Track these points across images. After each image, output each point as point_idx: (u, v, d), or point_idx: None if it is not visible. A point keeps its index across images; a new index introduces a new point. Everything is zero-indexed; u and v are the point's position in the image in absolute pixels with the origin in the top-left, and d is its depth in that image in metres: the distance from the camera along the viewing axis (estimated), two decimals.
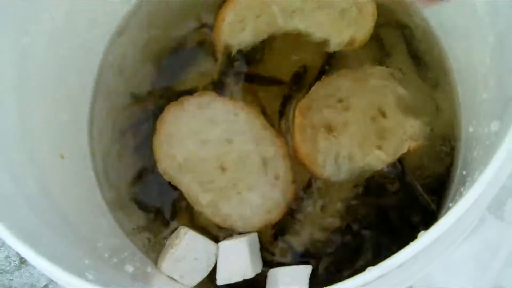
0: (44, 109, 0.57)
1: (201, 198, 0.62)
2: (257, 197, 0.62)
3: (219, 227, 0.62)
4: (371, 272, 0.38)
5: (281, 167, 0.62)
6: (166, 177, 0.63)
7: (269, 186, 0.62)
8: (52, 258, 0.40)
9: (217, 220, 0.62)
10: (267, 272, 0.59)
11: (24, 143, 0.53)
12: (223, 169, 0.62)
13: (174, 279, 0.57)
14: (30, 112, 0.55)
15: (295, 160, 0.63)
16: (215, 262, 0.58)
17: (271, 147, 0.63)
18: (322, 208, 0.63)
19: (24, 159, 0.52)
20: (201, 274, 0.58)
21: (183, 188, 0.62)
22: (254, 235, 0.60)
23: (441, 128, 0.65)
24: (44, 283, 0.73)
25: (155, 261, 0.60)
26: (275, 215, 0.62)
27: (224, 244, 0.59)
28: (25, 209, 0.47)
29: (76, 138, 0.62)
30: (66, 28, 0.59)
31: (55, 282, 0.72)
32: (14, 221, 0.42)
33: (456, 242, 0.46)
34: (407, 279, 0.45)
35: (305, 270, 0.59)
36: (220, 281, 0.58)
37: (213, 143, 0.63)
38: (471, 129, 0.60)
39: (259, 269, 0.59)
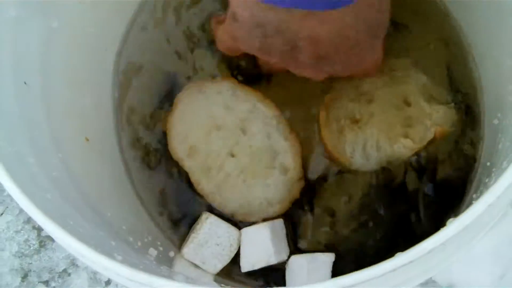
0: (68, 92, 0.57)
1: (206, 182, 0.62)
2: (261, 188, 0.62)
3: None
4: (400, 258, 0.38)
5: (291, 163, 0.62)
6: (174, 157, 0.63)
7: (275, 179, 0.62)
8: (81, 238, 0.40)
9: (218, 206, 0.62)
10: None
11: (49, 126, 0.53)
12: (232, 155, 0.62)
13: (196, 265, 0.57)
14: (54, 95, 0.55)
15: (324, 155, 0.64)
16: (237, 248, 0.58)
17: (284, 142, 0.62)
18: (344, 201, 0.63)
19: (49, 141, 0.52)
20: (223, 260, 0.58)
21: (189, 170, 0.63)
22: (279, 221, 0.60)
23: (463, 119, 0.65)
24: (63, 267, 0.73)
25: (178, 246, 0.60)
26: (277, 209, 0.62)
27: (247, 231, 0.59)
28: (52, 190, 0.47)
29: (101, 121, 0.62)
30: (92, 11, 0.59)
31: (74, 266, 0.73)
32: (43, 201, 0.42)
33: (482, 232, 0.46)
34: (434, 267, 0.45)
35: (328, 258, 0.59)
36: (244, 268, 0.58)
37: (227, 129, 0.63)
38: (496, 121, 0.60)
39: (284, 256, 0.59)
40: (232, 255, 0.58)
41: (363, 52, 0.54)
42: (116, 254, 0.42)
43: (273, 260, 0.58)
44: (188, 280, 0.44)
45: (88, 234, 0.44)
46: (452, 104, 0.64)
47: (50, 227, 0.40)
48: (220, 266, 0.58)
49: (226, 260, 0.58)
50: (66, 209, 0.46)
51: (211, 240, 0.58)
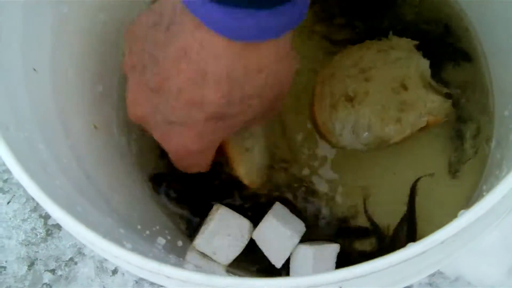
0: (78, 79, 0.56)
1: None
2: None
3: None
4: (413, 248, 0.38)
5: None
6: None
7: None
8: (90, 226, 0.40)
9: None
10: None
11: (59, 113, 0.52)
12: None
13: (208, 257, 0.57)
14: (64, 81, 0.54)
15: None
16: (248, 239, 0.58)
17: None
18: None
19: (58, 129, 0.52)
20: (235, 251, 0.58)
21: None
22: (277, 205, 0.60)
23: (470, 110, 0.65)
24: (69, 256, 0.73)
25: (187, 235, 0.60)
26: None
27: (257, 233, 0.58)
28: (61, 177, 0.47)
29: (109, 109, 0.62)
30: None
31: (80, 255, 0.73)
32: (51, 188, 0.42)
33: (495, 223, 0.46)
34: (446, 258, 0.45)
35: (332, 249, 0.58)
36: (278, 263, 0.58)
37: None
38: (506, 113, 0.59)
39: (303, 227, 0.59)
40: (243, 245, 0.58)
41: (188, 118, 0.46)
42: (125, 242, 0.42)
43: (295, 239, 0.57)
44: (197, 268, 0.44)
45: (97, 222, 0.44)
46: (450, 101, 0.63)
47: (59, 214, 0.39)
48: (231, 257, 0.57)
49: (237, 250, 0.58)
50: (75, 196, 0.46)
51: (222, 231, 0.57)
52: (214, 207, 0.58)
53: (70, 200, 0.44)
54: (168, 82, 0.45)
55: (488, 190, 0.40)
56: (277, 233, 0.57)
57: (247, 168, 0.60)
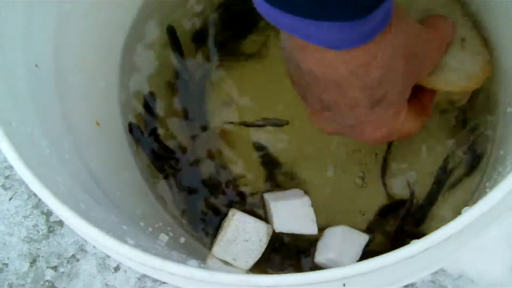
0: (80, 75, 0.56)
1: None
2: None
3: None
4: (418, 244, 0.37)
5: None
6: None
7: None
8: (93, 222, 0.39)
9: None
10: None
11: (62, 109, 0.52)
12: None
13: (229, 263, 0.57)
14: (66, 78, 0.54)
15: None
16: (267, 242, 0.58)
17: None
18: None
19: (61, 125, 0.51)
20: (254, 256, 0.58)
21: None
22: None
23: (475, 107, 0.64)
24: (71, 253, 0.73)
25: (189, 231, 0.60)
26: None
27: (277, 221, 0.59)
28: (63, 174, 0.46)
29: (111, 105, 0.62)
30: None
31: (82, 252, 0.72)
32: (53, 184, 0.42)
33: (498, 220, 0.45)
34: (449, 255, 0.44)
35: (362, 238, 0.59)
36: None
37: None
38: (509, 110, 0.59)
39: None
40: (263, 249, 0.58)
41: (361, 118, 0.48)
42: (128, 238, 0.42)
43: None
44: (201, 265, 0.43)
45: (100, 218, 0.44)
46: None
47: (61, 211, 0.39)
48: (251, 261, 0.58)
49: (256, 255, 0.58)
50: (77, 193, 0.46)
51: (239, 237, 0.58)
52: (230, 213, 0.58)
53: (72, 196, 0.44)
54: (322, 102, 0.47)
55: (492, 186, 0.40)
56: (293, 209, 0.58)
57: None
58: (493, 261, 0.66)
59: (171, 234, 0.55)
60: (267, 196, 0.61)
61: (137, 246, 0.40)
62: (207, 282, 0.38)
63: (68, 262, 0.73)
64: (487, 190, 0.44)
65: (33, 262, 0.73)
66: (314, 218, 0.60)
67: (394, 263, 0.37)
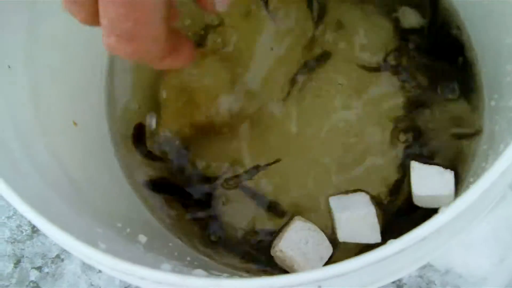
0: (55, 75, 0.55)
1: None
2: None
3: None
4: (392, 245, 0.37)
5: None
6: None
7: None
8: (63, 226, 0.39)
9: None
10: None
11: (35, 110, 0.51)
12: None
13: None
14: (40, 78, 0.53)
15: None
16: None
17: None
18: None
19: (34, 126, 0.50)
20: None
21: None
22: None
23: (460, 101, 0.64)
24: (56, 253, 0.72)
25: (169, 229, 0.59)
26: None
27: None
28: (35, 176, 0.46)
29: (90, 105, 0.61)
30: None
31: (67, 252, 0.72)
32: (24, 188, 0.41)
33: (480, 217, 0.45)
34: (428, 254, 0.44)
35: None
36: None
37: None
38: (493, 103, 0.58)
39: None
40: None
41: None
42: (100, 242, 0.41)
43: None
44: (175, 269, 0.43)
45: (72, 221, 0.43)
46: None
47: (31, 215, 0.39)
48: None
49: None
50: (50, 196, 0.45)
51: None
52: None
53: (43, 199, 0.43)
54: None
55: (474, 182, 0.39)
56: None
57: None
58: (481, 256, 0.66)
59: (151, 234, 0.54)
60: (332, 203, 0.61)
61: (109, 249, 0.39)
62: (179, 286, 0.37)
63: (52, 262, 0.72)
64: (470, 186, 0.43)
65: (17, 263, 0.72)
66: (378, 227, 0.59)
67: (369, 265, 0.36)
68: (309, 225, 0.59)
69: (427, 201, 0.59)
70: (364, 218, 0.59)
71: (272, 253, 0.60)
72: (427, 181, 0.58)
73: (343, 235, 0.59)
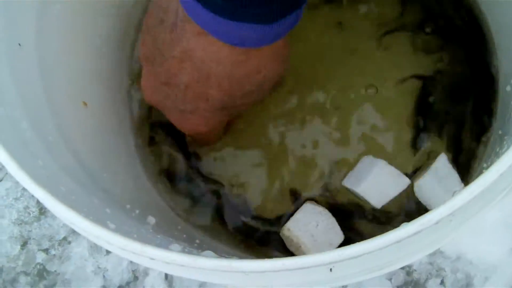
0: (64, 54, 0.55)
1: None
2: None
3: None
4: (406, 228, 0.36)
5: None
6: None
7: None
8: (73, 206, 0.38)
9: None
10: None
11: (45, 89, 0.51)
12: None
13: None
14: (50, 57, 0.53)
15: None
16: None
17: None
18: None
19: (44, 106, 0.50)
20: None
21: None
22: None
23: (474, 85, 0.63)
24: (63, 235, 0.72)
25: (178, 212, 0.59)
26: None
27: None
28: (45, 156, 0.45)
29: (99, 85, 0.60)
30: None
31: (74, 235, 0.71)
32: (34, 168, 0.41)
33: (493, 203, 0.44)
34: (443, 238, 0.43)
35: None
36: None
37: None
38: (508, 88, 0.58)
39: None
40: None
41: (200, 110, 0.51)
42: (109, 222, 0.40)
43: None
44: (184, 250, 0.42)
45: (81, 201, 0.43)
46: None
47: (40, 193, 0.38)
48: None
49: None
50: (59, 176, 0.45)
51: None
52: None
53: (53, 179, 0.42)
54: (175, 78, 0.47)
55: (488, 167, 0.39)
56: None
57: None
58: (492, 243, 0.65)
59: (160, 215, 0.54)
60: (347, 183, 0.61)
61: (118, 229, 0.39)
62: (189, 267, 0.36)
63: (59, 244, 0.72)
64: (484, 171, 0.43)
65: (24, 244, 0.72)
66: (399, 172, 0.59)
67: (383, 247, 0.36)
68: (320, 209, 0.58)
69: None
70: (380, 175, 0.58)
71: (281, 235, 0.59)
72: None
73: (377, 202, 0.59)
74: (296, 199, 0.61)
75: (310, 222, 0.57)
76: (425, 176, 0.58)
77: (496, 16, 0.61)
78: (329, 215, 0.58)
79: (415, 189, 0.59)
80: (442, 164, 0.58)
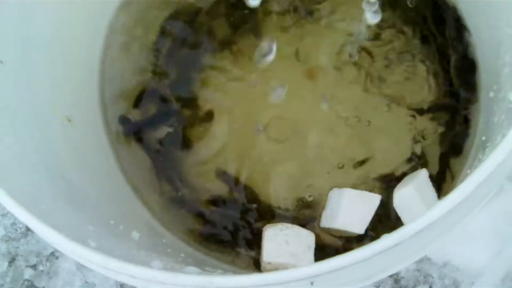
0: (51, 71, 0.55)
1: None
2: None
3: None
4: (386, 240, 0.36)
5: None
6: None
7: None
8: (54, 224, 0.38)
9: None
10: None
11: (30, 106, 0.51)
12: None
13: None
14: (34, 75, 0.53)
15: None
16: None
17: None
18: None
19: (29, 122, 0.50)
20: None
21: None
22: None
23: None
24: (50, 251, 0.72)
25: (163, 224, 0.59)
26: None
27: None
28: (28, 174, 0.45)
29: (86, 101, 0.60)
30: None
31: None
32: (15, 187, 0.40)
33: (476, 209, 0.44)
34: (424, 248, 0.43)
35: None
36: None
37: None
38: (491, 94, 0.58)
39: None
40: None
41: None
42: (90, 240, 0.40)
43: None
44: (166, 266, 0.42)
45: (63, 220, 0.43)
46: None
47: (20, 213, 0.38)
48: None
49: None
50: (41, 194, 0.45)
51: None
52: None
53: (34, 198, 0.42)
54: None
55: (469, 175, 0.39)
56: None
57: None
58: (479, 248, 0.65)
59: (145, 229, 0.54)
60: (324, 224, 0.61)
61: (100, 247, 0.39)
62: (169, 284, 0.36)
63: (47, 260, 0.71)
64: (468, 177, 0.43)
65: (12, 261, 0.72)
66: (366, 192, 0.59)
67: (361, 261, 0.36)
68: (279, 226, 0.58)
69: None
70: (351, 203, 0.58)
71: (262, 270, 0.58)
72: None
73: (358, 228, 0.59)
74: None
75: (281, 244, 0.57)
76: (404, 188, 0.58)
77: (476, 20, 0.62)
78: (288, 225, 0.58)
79: (394, 200, 0.58)
80: (422, 178, 0.59)
